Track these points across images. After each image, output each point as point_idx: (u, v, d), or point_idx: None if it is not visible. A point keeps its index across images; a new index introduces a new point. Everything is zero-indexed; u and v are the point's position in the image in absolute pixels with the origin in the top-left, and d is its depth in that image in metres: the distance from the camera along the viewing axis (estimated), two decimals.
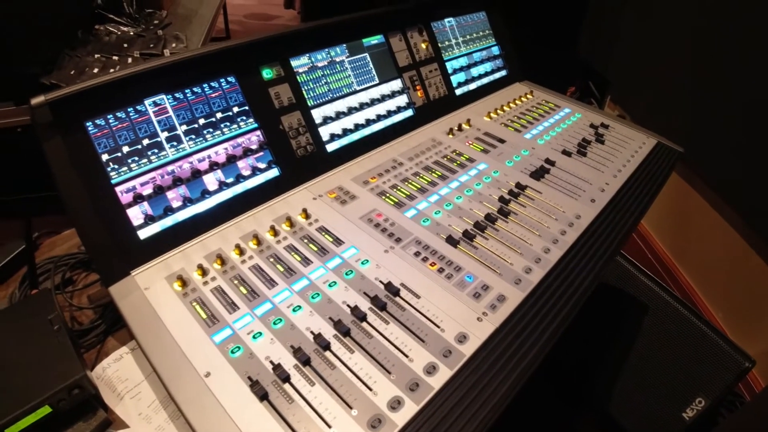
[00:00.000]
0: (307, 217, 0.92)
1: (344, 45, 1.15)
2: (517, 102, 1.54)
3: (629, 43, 2.52)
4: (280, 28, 0.99)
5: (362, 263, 0.84)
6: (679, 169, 2.21)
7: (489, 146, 1.26)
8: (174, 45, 2.65)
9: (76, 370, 0.75)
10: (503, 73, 1.66)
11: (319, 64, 1.09)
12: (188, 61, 0.87)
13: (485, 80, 1.58)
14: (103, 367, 0.88)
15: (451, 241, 0.90)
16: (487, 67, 1.61)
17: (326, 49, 1.11)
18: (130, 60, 2.48)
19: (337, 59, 1.13)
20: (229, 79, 0.93)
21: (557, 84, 2.13)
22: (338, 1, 2.33)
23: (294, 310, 0.74)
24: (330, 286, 0.79)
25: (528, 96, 1.59)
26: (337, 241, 0.88)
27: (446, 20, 1.50)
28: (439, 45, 1.44)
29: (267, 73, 0.99)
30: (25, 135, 2.36)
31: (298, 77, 1.04)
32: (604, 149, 1.33)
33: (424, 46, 1.38)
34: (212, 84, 0.91)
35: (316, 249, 0.86)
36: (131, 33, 2.87)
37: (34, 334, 0.81)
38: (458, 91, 1.47)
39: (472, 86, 1.52)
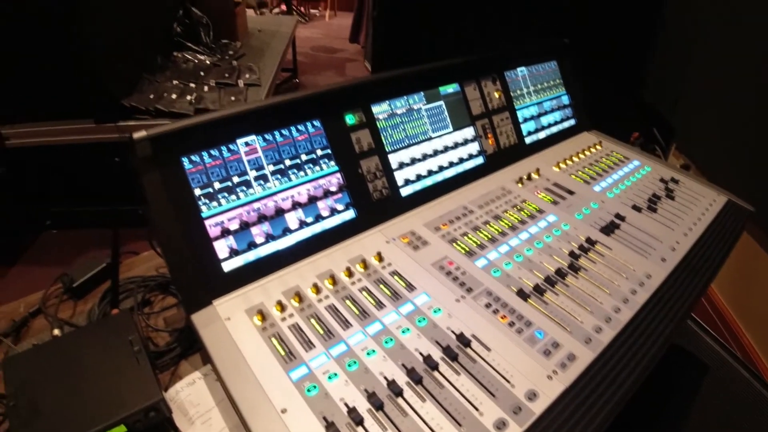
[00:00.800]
0: (381, 260, 0.94)
1: (422, 93, 1.19)
2: (586, 152, 1.54)
3: (696, 90, 2.48)
4: (362, 76, 1.04)
5: (434, 311, 0.85)
6: (747, 226, 2.13)
7: (558, 197, 1.26)
8: (248, 76, 2.78)
9: (154, 392, 0.79)
10: (572, 122, 1.66)
11: (398, 111, 1.13)
12: (279, 105, 0.92)
13: (554, 129, 1.59)
14: (176, 390, 0.92)
15: (522, 294, 0.91)
16: (557, 116, 1.61)
17: (405, 97, 1.15)
18: (206, 88, 2.62)
19: (415, 106, 1.17)
20: (315, 123, 0.98)
21: (621, 128, 2.11)
22: (404, 46, 2.42)
23: (368, 354, 0.76)
24: (403, 332, 0.80)
25: (597, 146, 1.59)
26: (410, 287, 0.89)
27: (519, 69, 1.52)
28: (512, 94, 1.46)
29: (350, 119, 1.03)
30: (107, 151, 2.52)
31: (377, 123, 1.08)
32: (674, 205, 1.30)
33: (497, 95, 1.41)
34: (299, 127, 0.96)
35: (389, 293, 0.88)
36: (207, 62, 3.03)
37: (115, 353, 0.85)
38: (528, 140, 1.48)
39: (542, 135, 1.53)
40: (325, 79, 4.96)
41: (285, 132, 0.95)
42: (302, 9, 7.97)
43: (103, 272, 1.25)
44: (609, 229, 1.15)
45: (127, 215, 2.67)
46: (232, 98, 2.49)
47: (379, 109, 1.09)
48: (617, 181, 1.39)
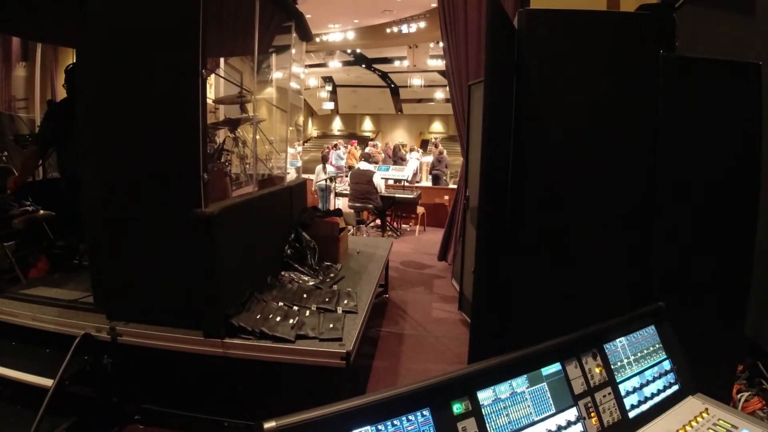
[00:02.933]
0: None
1: (525, 376, 1.22)
2: (693, 423, 1.43)
3: None
4: (469, 365, 1.10)
5: None
6: None
7: None
8: (346, 302, 2.97)
9: None
10: (675, 388, 1.58)
11: (502, 396, 1.16)
12: (393, 398, 0.99)
13: (658, 398, 1.51)
14: None
15: None
16: (659, 384, 1.55)
17: (509, 381, 1.18)
18: (307, 312, 2.81)
19: (518, 390, 1.19)
20: (424, 412, 1.02)
21: (725, 362, 1.97)
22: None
23: None
24: None
25: (704, 414, 1.48)
26: None
27: (618, 340, 1.52)
28: (612, 366, 1.45)
29: (457, 408, 1.07)
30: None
31: (482, 410, 1.10)
32: None
33: (597, 370, 1.40)
34: (410, 417, 1.00)
35: None
36: (311, 283, 3.30)
37: None
38: (632, 414, 1.42)
39: (645, 407, 1.47)
40: (413, 295, 5.14)
41: (396, 422, 0.99)
42: (395, 224, 8.66)
43: None
44: None
45: (210, 425, 2.73)
46: (331, 325, 2.64)
47: (484, 396, 1.13)
48: None
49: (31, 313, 2.88)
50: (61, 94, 7.12)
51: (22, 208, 3.70)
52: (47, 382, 2.50)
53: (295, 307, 2.87)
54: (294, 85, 4.61)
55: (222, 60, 5.97)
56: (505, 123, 2.36)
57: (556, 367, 1.30)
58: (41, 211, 3.82)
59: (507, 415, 1.15)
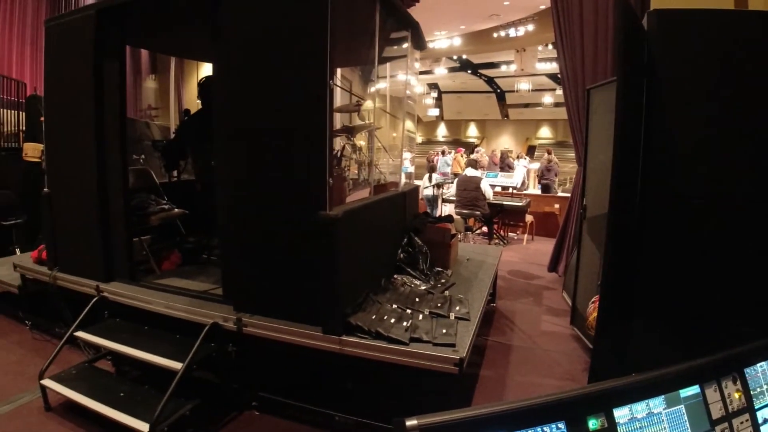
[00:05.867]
0: None
1: (662, 396, 1.17)
2: None
3: None
4: (608, 381, 1.08)
5: None
6: None
7: None
8: (458, 308, 3.00)
9: None
10: None
11: (638, 416, 1.13)
12: (530, 407, 1.00)
13: None
14: None
15: None
16: None
17: (646, 401, 1.15)
18: (420, 316, 2.87)
19: (655, 410, 1.15)
20: (559, 425, 1.03)
21: None
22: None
23: None
24: None
25: None
26: None
27: (758, 365, 1.42)
28: (751, 392, 1.35)
29: (593, 424, 1.06)
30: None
31: (618, 428, 1.08)
32: None
33: (737, 395, 1.32)
34: (545, 428, 1.01)
35: None
36: (422, 287, 3.36)
37: None
38: None
39: None
40: (521, 306, 5.03)
41: None
42: (502, 232, 8.51)
43: None
44: None
45: (321, 417, 2.86)
46: (444, 331, 2.67)
47: (621, 414, 1.10)
48: None
49: (164, 301, 3.19)
50: (187, 103, 7.85)
51: (159, 206, 4.11)
52: (176, 365, 2.75)
53: (409, 311, 2.94)
54: (408, 92, 4.71)
55: (338, 70, 6.25)
56: (636, 128, 2.27)
57: (695, 389, 1.24)
58: (176, 210, 4.22)
59: None
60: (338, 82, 6.01)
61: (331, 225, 2.63)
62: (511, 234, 8.80)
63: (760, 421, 1.35)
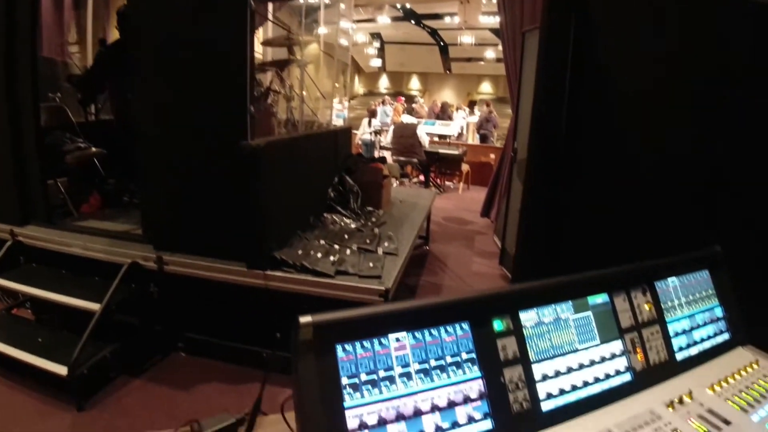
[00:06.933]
0: None
1: (570, 302, 1.17)
2: (741, 372, 1.35)
3: None
4: (516, 284, 1.06)
5: None
6: None
7: (714, 428, 1.10)
8: (387, 244, 2.96)
9: None
10: (725, 336, 1.50)
11: (545, 320, 1.12)
12: (434, 306, 0.96)
13: (707, 344, 1.44)
14: None
15: None
16: (710, 330, 1.48)
17: (553, 305, 1.14)
18: (348, 251, 2.82)
19: (562, 316, 1.15)
20: (463, 325, 0.99)
21: None
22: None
23: None
24: None
25: (754, 365, 1.40)
26: None
27: (669, 280, 1.45)
28: (662, 306, 1.38)
29: (498, 325, 1.04)
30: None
31: (524, 331, 1.07)
32: None
33: (647, 307, 1.34)
34: (448, 328, 0.98)
35: None
36: (353, 226, 3.30)
37: None
38: (679, 356, 1.35)
39: (693, 351, 1.40)
40: (454, 249, 5.11)
41: (434, 332, 0.97)
42: (438, 181, 8.56)
43: (232, 428, 1.28)
44: None
45: (249, 355, 2.81)
46: (371, 264, 2.64)
47: (527, 317, 1.09)
48: None
49: (81, 242, 3.01)
50: (113, 36, 7.25)
51: (75, 144, 3.81)
52: (94, 306, 2.62)
53: (336, 246, 2.88)
54: (343, 41, 4.53)
55: (270, 13, 5.91)
56: (561, 63, 2.24)
57: (603, 297, 1.25)
58: (93, 149, 3.94)
59: (549, 339, 1.11)
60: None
61: (253, 155, 2.50)
62: (447, 183, 8.87)
63: (671, 333, 1.38)
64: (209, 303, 2.91)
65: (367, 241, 3.01)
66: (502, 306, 1.06)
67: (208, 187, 2.74)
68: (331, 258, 2.69)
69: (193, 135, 2.71)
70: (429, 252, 4.89)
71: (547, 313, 1.13)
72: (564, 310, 1.16)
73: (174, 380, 2.76)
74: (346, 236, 3.07)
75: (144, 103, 2.84)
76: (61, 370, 2.42)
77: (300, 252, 2.73)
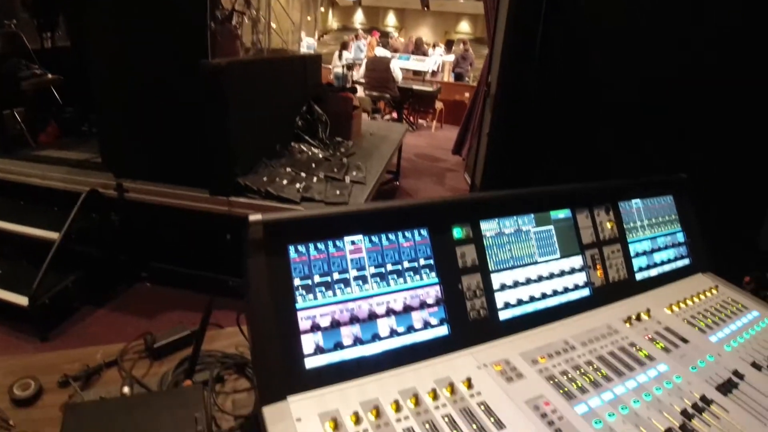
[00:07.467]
0: (470, 387, 0.87)
1: (532, 215, 1.16)
2: (701, 296, 1.39)
3: None
4: (475, 193, 1.03)
5: None
6: None
7: (671, 344, 1.13)
8: (354, 173, 2.91)
9: None
10: (686, 261, 1.53)
11: (506, 231, 1.10)
12: (391, 210, 0.93)
13: (667, 267, 1.46)
14: None
15: None
16: (671, 254, 1.50)
17: (515, 217, 1.12)
18: (315, 179, 2.76)
19: (524, 228, 1.13)
20: (422, 231, 0.97)
21: (731, 271, 1.93)
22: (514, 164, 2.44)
23: None
24: None
25: (713, 291, 1.44)
26: (498, 424, 0.81)
27: (633, 201, 1.45)
28: (625, 226, 1.39)
29: (457, 232, 1.02)
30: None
31: (484, 240, 1.05)
32: None
33: (609, 225, 1.34)
34: (406, 234, 0.95)
35: (474, 428, 0.79)
36: (320, 155, 3.23)
37: (178, 427, 0.84)
38: (638, 276, 1.37)
39: (653, 272, 1.42)
40: (424, 185, 5.10)
41: (392, 236, 0.94)
42: (411, 118, 8.44)
43: (186, 339, 1.27)
44: (726, 387, 1.00)
45: (214, 283, 2.79)
46: (337, 192, 2.60)
47: (488, 227, 1.07)
48: (735, 333, 1.23)
49: (40, 172, 2.89)
50: None
51: (30, 71, 3.60)
52: (53, 235, 2.55)
53: (303, 174, 2.82)
54: None
55: None
56: None
57: (565, 212, 1.24)
58: (50, 75, 3.73)
59: (509, 250, 1.10)
60: None
61: (214, 74, 2.38)
62: (420, 121, 8.75)
63: (632, 253, 1.39)
64: (172, 231, 2.86)
65: (335, 170, 2.95)
66: (463, 214, 1.04)
67: (168, 111, 2.61)
68: (297, 185, 2.63)
69: (151, 55, 2.56)
70: (399, 187, 4.86)
71: (509, 224, 1.11)
72: (526, 222, 1.15)
73: (139, 309, 2.73)
74: (313, 165, 3.01)
75: (97, 21, 2.65)
76: (22, 300, 2.38)
77: (265, 179, 2.67)
